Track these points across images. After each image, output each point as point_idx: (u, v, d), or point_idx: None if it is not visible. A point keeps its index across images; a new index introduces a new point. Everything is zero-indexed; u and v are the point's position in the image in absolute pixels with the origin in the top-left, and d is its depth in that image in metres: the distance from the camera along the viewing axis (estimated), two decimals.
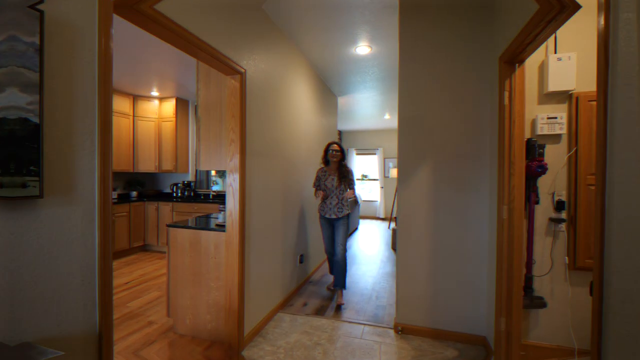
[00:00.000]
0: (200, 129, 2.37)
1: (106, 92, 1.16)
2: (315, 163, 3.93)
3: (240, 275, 2.20)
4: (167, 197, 5.18)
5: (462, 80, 2.27)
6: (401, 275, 2.43)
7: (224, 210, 2.35)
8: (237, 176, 2.18)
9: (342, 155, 3.04)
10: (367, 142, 8.68)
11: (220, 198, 5.11)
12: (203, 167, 2.36)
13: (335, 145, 3.04)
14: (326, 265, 4.21)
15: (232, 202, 2.19)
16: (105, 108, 1.16)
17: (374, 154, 8.60)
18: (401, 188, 2.45)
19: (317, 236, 3.96)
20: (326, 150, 3.05)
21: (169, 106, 5.11)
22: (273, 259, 2.72)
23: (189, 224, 2.49)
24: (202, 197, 5.20)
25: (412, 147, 2.40)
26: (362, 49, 3.13)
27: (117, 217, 4.53)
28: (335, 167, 3.02)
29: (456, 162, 2.28)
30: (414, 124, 2.39)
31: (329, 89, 4.56)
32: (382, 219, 8.34)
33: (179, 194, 5.22)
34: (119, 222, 4.57)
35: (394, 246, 5.03)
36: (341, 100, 5.24)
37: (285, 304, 2.92)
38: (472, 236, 2.25)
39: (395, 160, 8.24)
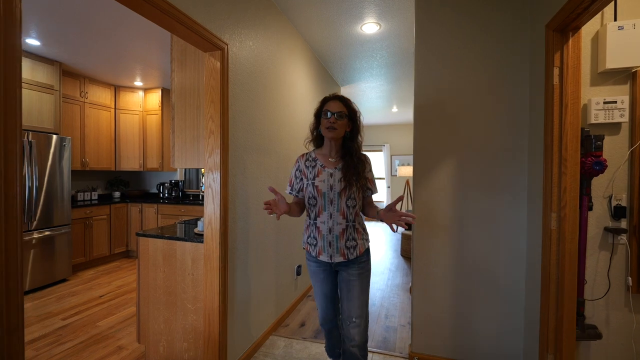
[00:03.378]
0: (175, 119, 1.95)
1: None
2: None
3: (221, 296, 1.79)
4: (153, 198, 4.76)
5: (495, 56, 1.86)
6: (418, 294, 2.03)
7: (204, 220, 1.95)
8: (217, 175, 1.77)
9: (352, 126, 1.50)
10: (373, 138, 8.24)
11: None
12: (177, 165, 1.94)
13: (337, 102, 1.45)
14: None
15: (212, 207, 1.78)
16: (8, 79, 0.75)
17: (380, 150, 8.17)
18: (417, 190, 2.04)
19: None
20: (318, 115, 1.52)
21: (155, 98, 4.68)
22: (264, 273, 2.31)
23: (163, 233, 2.08)
24: (190, 198, 4.78)
25: (432, 140, 1.99)
26: (370, 26, 2.71)
27: (96, 221, 4.11)
28: (336, 150, 1.51)
29: (486, 159, 1.88)
30: (433, 112, 1.98)
31: (331, 77, 4.14)
32: None
33: (166, 195, 4.80)
34: (98, 226, 4.15)
35: (405, 253, 4.63)
36: (345, 91, 4.82)
37: (279, 325, 2.51)
38: (507, 249, 1.85)
39: (403, 158, 7.83)
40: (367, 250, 1.54)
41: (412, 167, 6.67)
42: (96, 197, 4.51)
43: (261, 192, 2.24)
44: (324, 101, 1.49)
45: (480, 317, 1.90)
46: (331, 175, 1.46)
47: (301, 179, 1.53)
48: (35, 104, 3.42)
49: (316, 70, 3.50)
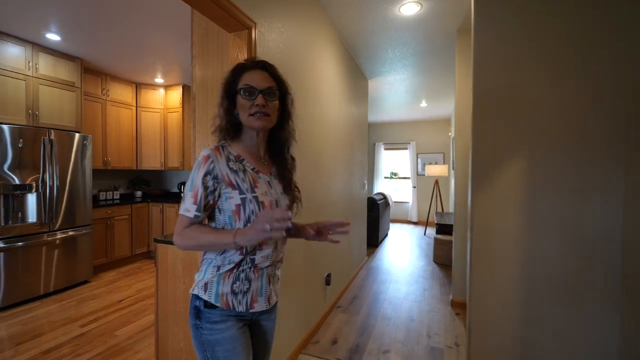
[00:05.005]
0: (196, 111, 1.73)
1: None
2: (346, 161, 3.25)
3: None
4: (174, 198, 4.64)
5: (584, 25, 1.51)
6: (475, 318, 1.71)
7: None
8: None
9: (282, 109, 1.03)
10: (398, 136, 7.86)
11: None
12: None
13: (263, 74, 0.97)
14: (358, 283, 3.53)
15: None
16: None
17: (405, 148, 7.77)
18: (475, 191, 1.72)
19: (344, 247, 3.28)
20: (232, 91, 0.97)
21: (175, 95, 4.55)
22: (293, 285, 2.06)
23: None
24: None
25: (498, 133, 1.66)
26: (409, 7, 2.40)
27: (117, 221, 4.02)
28: (265, 146, 1.04)
29: (571, 155, 1.53)
30: (501, 98, 1.65)
31: (359, 69, 3.84)
32: (415, 223, 7.53)
33: None
34: (119, 226, 4.06)
35: (438, 259, 4.28)
36: (371, 84, 4.51)
37: (308, 341, 2.26)
38: (597, 268, 1.50)
39: (430, 156, 7.43)
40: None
41: (442, 167, 6.28)
42: (118, 197, 4.43)
43: None
44: (240, 70, 0.96)
45: (559, 354, 1.56)
46: (270, 184, 0.98)
47: (212, 191, 0.90)
48: (57, 102, 3.33)
49: (345, 61, 3.21)
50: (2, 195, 2.77)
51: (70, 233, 3.34)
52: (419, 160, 7.60)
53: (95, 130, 3.95)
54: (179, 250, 1.79)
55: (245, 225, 0.90)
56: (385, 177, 8.06)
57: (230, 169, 0.91)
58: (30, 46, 3.08)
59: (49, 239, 3.15)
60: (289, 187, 1.02)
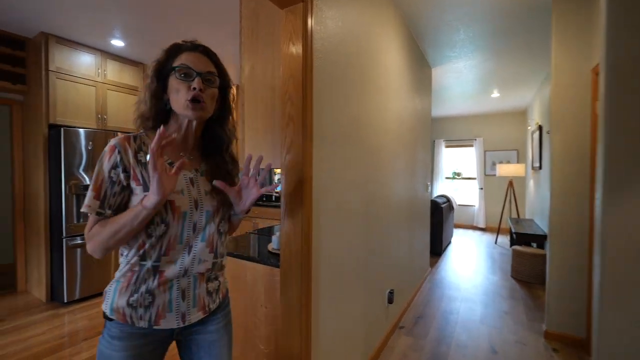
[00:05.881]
0: (245, 105, 1.53)
1: None
2: (408, 159, 2.87)
3: (303, 342, 1.30)
4: None
5: None
6: None
7: (280, 235, 1.50)
8: (299, 176, 1.28)
9: (222, 101, 0.93)
10: (462, 131, 7.09)
11: None
12: None
13: (203, 57, 0.85)
14: (422, 299, 3.11)
15: (290, 223, 1.30)
16: None
17: (471, 145, 6.98)
18: (611, 200, 1.25)
19: (406, 256, 2.90)
20: (163, 72, 0.85)
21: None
22: (352, 304, 1.77)
23: (235, 247, 1.69)
24: (264, 199, 4.56)
25: None
26: None
27: None
28: (195, 139, 0.91)
29: None
30: None
31: (423, 56, 3.40)
32: (482, 229, 6.72)
33: None
34: None
35: (517, 275, 3.64)
36: (435, 73, 4.02)
37: None
38: None
39: (500, 154, 6.58)
40: (227, 290, 1.02)
41: (517, 166, 5.44)
42: None
43: (348, 195, 1.70)
44: (176, 49, 0.84)
45: None
46: (192, 182, 0.86)
47: (125, 187, 0.79)
48: (122, 106, 3.49)
49: (407, 46, 2.82)
50: (74, 195, 2.94)
51: None
52: (487, 159, 6.75)
53: None
54: (261, 268, 1.56)
55: (149, 225, 0.78)
56: (447, 178, 7.33)
57: (138, 161, 0.80)
58: (99, 54, 3.25)
59: None
60: (219, 188, 0.88)
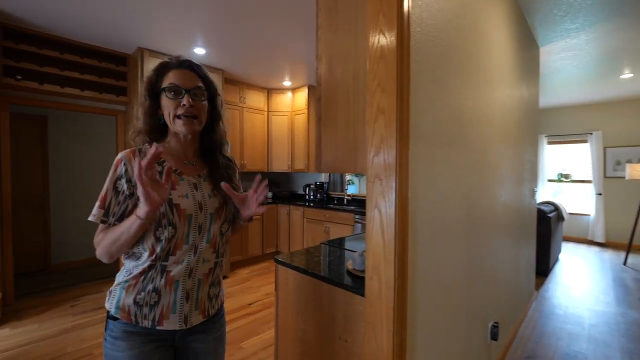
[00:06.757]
0: (322, 113, 1.31)
1: None
2: (514, 160, 2.34)
3: None
4: (300, 199, 4.63)
5: None
6: None
7: (362, 250, 1.24)
8: (390, 187, 1.00)
9: (212, 111, 0.98)
10: (570, 125, 5.81)
11: (357, 203, 4.12)
12: (324, 170, 1.29)
13: (189, 73, 0.91)
14: (529, 332, 2.51)
15: (380, 243, 1.02)
16: None
17: (584, 141, 5.68)
18: None
19: (510, 278, 2.36)
20: (155, 91, 0.90)
21: (301, 97, 4.50)
22: (451, 342, 1.41)
23: (307, 263, 1.49)
24: (335, 202, 4.37)
25: None
26: None
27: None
28: (194, 148, 0.98)
29: None
30: None
31: (530, 32, 2.77)
32: (601, 245, 5.40)
33: (312, 197, 4.57)
34: (253, 226, 4.26)
35: None
36: (545, 51, 3.27)
37: None
38: None
39: (625, 151, 5.24)
40: (223, 302, 1.03)
41: None
42: None
43: (446, 206, 1.34)
44: (163, 69, 0.91)
45: None
46: (195, 186, 0.93)
47: (129, 196, 0.85)
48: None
49: (513, 22, 2.28)
50: None
51: None
52: (608, 157, 5.42)
53: (234, 135, 4.25)
54: (301, 278, 1.42)
55: (156, 228, 0.84)
56: (550, 180, 6.13)
57: (129, 173, 0.86)
58: None
59: None
60: (219, 187, 0.94)
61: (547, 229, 3.75)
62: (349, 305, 1.21)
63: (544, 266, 3.77)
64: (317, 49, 1.31)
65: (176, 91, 0.87)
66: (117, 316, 0.83)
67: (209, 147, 1.00)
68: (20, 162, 3.73)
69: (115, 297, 0.85)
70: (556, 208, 4.31)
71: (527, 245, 2.85)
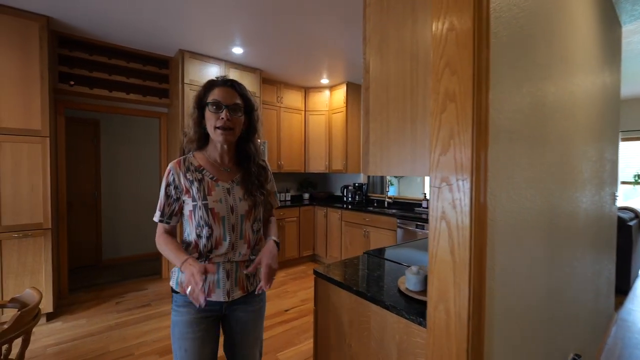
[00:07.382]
0: (370, 105, 1.12)
1: None
2: (595, 160, 1.97)
3: None
4: (337, 201, 4.45)
5: None
6: None
7: (416, 267, 1.03)
8: (464, 190, 0.78)
9: (249, 123, 1.13)
10: (632, 119, 5.06)
11: (398, 206, 3.85)
12: (372, 172, 1.10)
13: (229, 90, 1.05)
14: None
15: (449, 261, 0.82)
16: None
17: None
18: None
19: (593, 300, 1.98)
20: (201, 104, 1.06)
21: (339, 95, 4.32)
22: None
23: (345, 277, 1.31)
24: (375, 205, 4.13)
25: None
26: None
27: (288, 222, 4.12)
28: (230, 156, 1.13)
29: None
30: None
31: (612, 8, 2.34)
32: None
33: (350, 198, 4.37)
34: (289, 228, 4.15)
35: None
36: (629, 30, 2.78)
37: None
38: None
39: None
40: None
41: None
42: (289, 199, 4.63)
43: (526, 215, 1.08)
44: (209, 87, 1.07)
45: None
46: (229, 191, 1.09)
47: (176, 199, 1.07)
48: None
49: None
50: None
51: None
52: None
53: (271, 135, 4.19)
54: (344, 296, 1.24)
55: (196, 227, 1.05)
56: (623, 182, 5.33)
57: (187, 179, 1.06)
58: (223, 64, 3.45)
59: None
60: (249, 192, 1.10)
61: (628, 239, 3.20)
62: (404, 334, 1.01)
63: (623, 283, 3.22)
64: (365, 30, 1.12)
65: (217, 106, 1.03)
66: (178, 290, 1.06)
67: (243, 156, 1.15)
68: (74, 163, 3.98)
69: (175, 276, 1.09)
70: (637, 215, 3.68)
71: (607, 260, 2.41)
